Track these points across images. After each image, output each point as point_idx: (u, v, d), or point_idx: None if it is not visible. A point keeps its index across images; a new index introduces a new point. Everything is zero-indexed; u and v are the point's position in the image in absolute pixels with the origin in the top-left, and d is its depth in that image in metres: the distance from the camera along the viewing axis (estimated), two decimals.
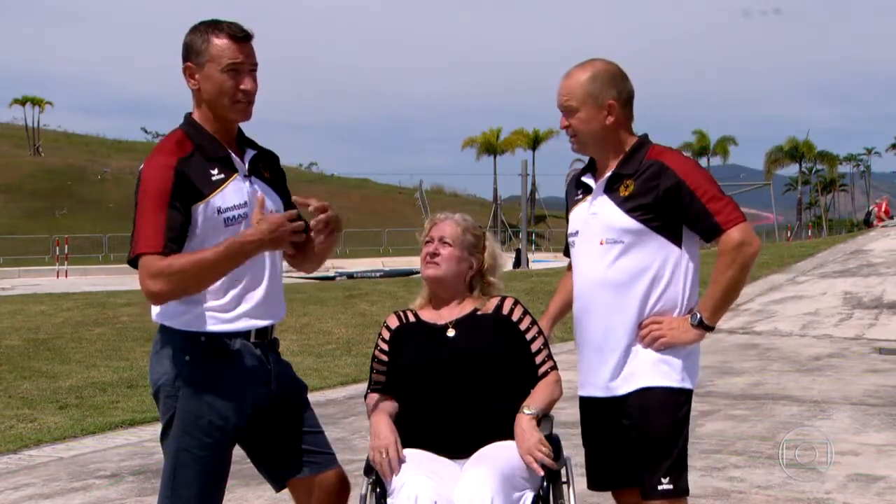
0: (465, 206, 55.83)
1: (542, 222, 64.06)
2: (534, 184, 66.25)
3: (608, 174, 3.03)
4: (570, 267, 3.44)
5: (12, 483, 5.62)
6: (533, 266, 29.56)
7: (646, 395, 2.95)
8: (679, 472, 2.97)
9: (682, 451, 2.99)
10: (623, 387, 2.99)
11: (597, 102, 2.98)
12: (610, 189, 3.01)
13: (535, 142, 68.20)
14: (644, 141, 3.05)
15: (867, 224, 37.72)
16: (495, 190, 66.12)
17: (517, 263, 30.31)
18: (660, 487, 2.93)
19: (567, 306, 3.46)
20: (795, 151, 74.84)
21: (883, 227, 31.16)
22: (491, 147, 67.12)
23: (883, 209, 38.12)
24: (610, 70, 3.03)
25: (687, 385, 2.99)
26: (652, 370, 2.96)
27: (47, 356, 10.27)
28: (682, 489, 2.97)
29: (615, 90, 3.01)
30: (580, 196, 3.14)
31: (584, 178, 3.14)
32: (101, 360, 10.09)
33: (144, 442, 6.55)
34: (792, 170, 79.41)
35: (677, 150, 3.09)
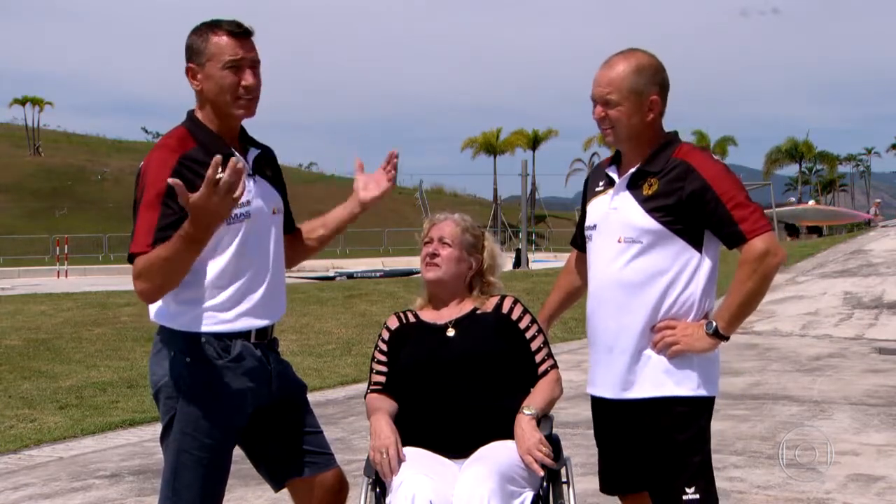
0: (465, 206, 55.79)
1: (542, 222, 64.01)
2: (534, 184, 66.25)
3: (632, 170, 2.91)
4: (567, 265, 3.43)
5: (12, 483, 5.62)
6: (533, 266, 29.55)
7: (660, 405, 2.86)
8: (706, 482, 2.87)
9: (706, 461, 2.90)
10: (634, 391, 2.90)
11: (640, 97, 2.85)
12: (633, 186, 2.90)
13: (534, 142, 68.17)
14: (673, 138, 2.93)
15: (866, 224, 37.79)
16: (495, 190, 66.10)
17: (517, 263, 30.29)
18: (685, 497, 2.84)
19: (563, 305, 3.44)
20: (795, 151, 74.89)
21: (883, 227, 31.19)
22: (491, 147, 67.08)
23: None
24: (653, 63, 2.90)
25: (702, 393, 2.89)
26: (665, 377, 2.87)
27: (47, 356, 10.27)
28: (712, 500, 2.88)
29: (657, 85, 2.89)
30: (602, 188, 3.02)
31: (608, 170, 3.01)
32: (101, 360, 10.09)
33: (144, 442, 6.55)
34: (792, 170, 79.51)
35: (707, 151, 2.97)
